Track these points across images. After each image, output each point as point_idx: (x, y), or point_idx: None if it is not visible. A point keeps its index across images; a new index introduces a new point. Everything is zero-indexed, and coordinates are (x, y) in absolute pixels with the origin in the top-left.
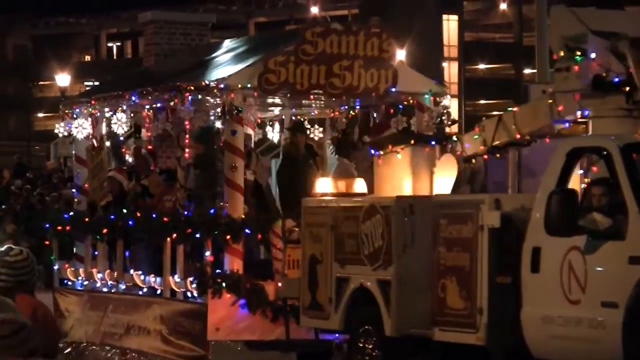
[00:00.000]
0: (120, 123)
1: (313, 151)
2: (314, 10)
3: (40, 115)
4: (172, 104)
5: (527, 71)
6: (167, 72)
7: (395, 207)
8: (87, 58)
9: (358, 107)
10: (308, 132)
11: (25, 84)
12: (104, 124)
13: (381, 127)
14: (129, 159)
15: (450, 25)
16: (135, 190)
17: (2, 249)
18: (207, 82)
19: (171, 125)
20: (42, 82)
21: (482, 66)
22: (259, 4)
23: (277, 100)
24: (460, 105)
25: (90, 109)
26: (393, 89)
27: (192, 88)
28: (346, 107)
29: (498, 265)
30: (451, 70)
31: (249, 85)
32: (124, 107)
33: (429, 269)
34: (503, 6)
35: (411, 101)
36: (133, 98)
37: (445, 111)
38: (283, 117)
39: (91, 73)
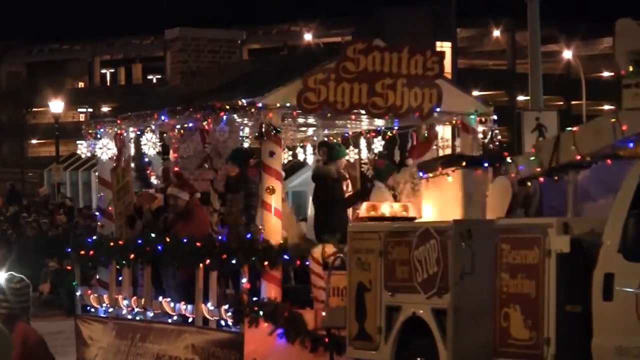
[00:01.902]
0: (149, 144)
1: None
2: (308, 37)
3: (34, 142)
4: (205, 124)
5: (520, 98)
6: (196, 91)
7: (452, 231)
8: (81, 85)
9: (396, 127)
10: None
11: (18, 111)
12: (130, 145)
13: (422, 149)
14: (154, 181)
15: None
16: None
17: (6, 276)
18: (243, 101)
19: (209, 146)
20: (36, 109)
21: (475, 93)
22: (252, 30)
23: (310, 121)
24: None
25: (115, 129)
26: (437, 109)
27: (228, 107)
28: (383, 128)
29: (567, 292)
30: None
31: (287, 105)
32: (153, 127)
33: (490, 297)
34: (496, 33)
35: (455, 122)
36: (162, 117)
37: (492, 132)
38: (315, 138)
39: (85, 99)
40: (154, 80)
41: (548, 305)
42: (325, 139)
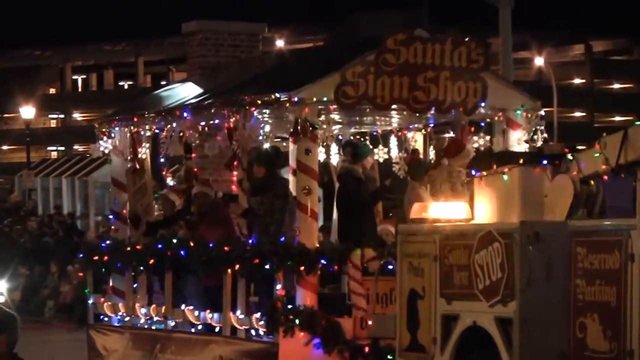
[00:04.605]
0: (169, 142)
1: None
2: (280, 43)
3: (5, 147)
4: (232, 120)
5: None
6: (220, 86)
7: (518, 234)
8: (52, 90)
9: (432, 124)
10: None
11: None
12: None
13: (458, 147)
14: (171, 182)
15: None
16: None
17: None
18: (277, 95)
19: (236, 144)
20: (7, 115)
21: None
22: None
23: (335, 117)
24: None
25: (131, 128)
26: (482, 104)
27: (259, 102)
28: (416, 125)
29: None
30: None
31: (325, 99)
32: (174, 125)
33: (562, 305)
34: None
35: (498, 117)
36: (185, 114)
37: (538, 128)
38: (340, 136)
39: (56, 105)
40: (126, 87)
41: (630, 313)
42: (351, 137)
